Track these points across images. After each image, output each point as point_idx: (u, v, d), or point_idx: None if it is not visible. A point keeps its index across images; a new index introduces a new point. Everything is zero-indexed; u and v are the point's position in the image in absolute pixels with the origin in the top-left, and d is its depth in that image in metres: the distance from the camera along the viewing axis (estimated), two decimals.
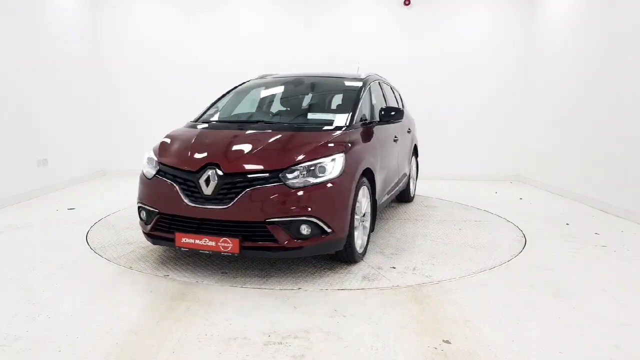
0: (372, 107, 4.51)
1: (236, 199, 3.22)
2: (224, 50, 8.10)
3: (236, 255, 3.22)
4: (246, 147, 3.49)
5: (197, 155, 3.46)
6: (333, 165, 3.38)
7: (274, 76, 5.14)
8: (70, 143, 7.20)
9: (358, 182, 3.59)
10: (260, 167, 3.30)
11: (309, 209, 3.21)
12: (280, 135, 3.62)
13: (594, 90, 6.13)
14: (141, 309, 2.92)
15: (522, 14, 7.99)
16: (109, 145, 8.20)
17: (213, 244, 3.24)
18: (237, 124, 4.09)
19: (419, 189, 6.84)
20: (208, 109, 4.58)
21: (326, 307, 2.98)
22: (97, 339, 2.55)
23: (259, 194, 3.21)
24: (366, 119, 4.27)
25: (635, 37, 5.35)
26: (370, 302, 3.07)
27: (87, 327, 2.68)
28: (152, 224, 3.53)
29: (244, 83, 5.06)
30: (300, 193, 3.21)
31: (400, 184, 5.30)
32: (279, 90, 4.91)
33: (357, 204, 3.61)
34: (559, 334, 2.67)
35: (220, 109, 4.56)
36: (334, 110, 4.42)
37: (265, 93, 4.90)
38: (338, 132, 3.71)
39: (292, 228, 3.22)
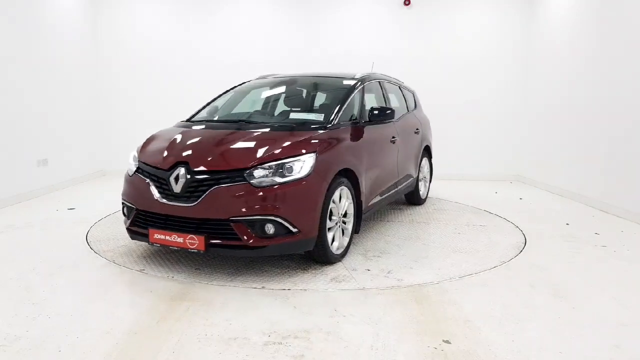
0: (362, 107, 4.40)
1: (202, 196, 3.28)
2: (225, 50, 8.10)
3: (202, 252, 3.29)
4: (217, 146, 3.56)
5: (170, 154, 3.57)
6: (301, 165, 3.38)
7: (274, 76, 5.16)
8: (70, 143, 7.20)
9: (333, 183, 3.57)
10: (226, 166, 3.36)
11: (273, 209, 3.23)
12: (253, 135, 3.67)
13: (594, 90, 6.13)
14: (141, 309, 2.92)
15: (522, 14, 7.99)
16: (109, 145, 8.20)
17: (181, 240, 3.32)
18: (220, 124, 4.15)
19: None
20: (201, 109, 4.70)
21: (326, 307, 2.98)
22: (97, 339, 2.55)
23: (223, 192, 3.25)
24: (356, 119, 4.23)
25: (635, 37, 5.35)
26: (370, 302, 3.07)
27: (87, 327, 2.68)
28: (131, 219, 3.66)
29: (242, 83, 5.11)
30: (265, 192, 3.24)
31: (402, 186, 5.18)
32: (270, 90, 4.94)
33: (333, 205, 3.61)
34: (559, 334, 2.67)
35: (211, 109, 4.66)
36: (317, 110, 4.42)
37: (257, 93, 4.92)
38: (314, 132, 3.72)
39: (256, 227, 3.25)
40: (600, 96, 5.99)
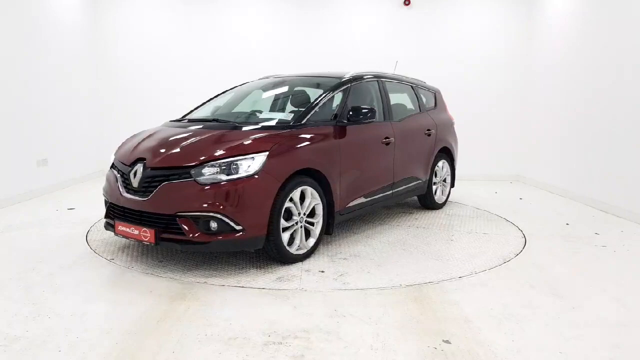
0: (345, 107, 4.30)
1: (154, 192, 3.43)
2: (225, 50, 8.10)
3: (153, 245, 3.44)
4: (174, 144, 3.66)
5: (134, 151, 3.77)
6: (249, 164, 3.41)
7: (274, 77, 5.19)
8: (70, 143, 7.20)
9: (290, 182, 3.58)
10: (175, 163, 3.47)
11: (215, 206, 3.30)
12: (212, 133, 3.74)
13: (594, 90, 6.13)
14: (141, 309, 2.92)
15: (522, 14, 7.99)
16: (109, 145, 8.15)
17: (137, 233, 3.50)
18: (194, 123, 4.19)
19: None
20: (194, 109, 4.83)
21: (326, 307, 2.98)
22: (97, 339, 2.55)
23: (171, 188, 3.38)
24: (336, 119, 4.16)
25: (635, 37, 5.35)
26: (370, 302, 3.07)
27: (87, 327, 2.68)
28: (105, 211, 3.92)
29: (242, 84, 5.18)
30: (208, 189, 3.32)
31: (402, 189, 5.01)
32: (259, 91, 4.95)
33: (291, 205, 3.62)
34: (559, 334, 2.67)
35: (202, 108, 4.78)
36: (291, 110, 4.41)
37: (246, 94, 4.94)
38: (274, 131, 3.73)
39: (200, 223, 3.34)
40: (600, 96, 5.99)
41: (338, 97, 4.39)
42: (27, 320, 2.77)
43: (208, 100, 4.98)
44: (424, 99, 5.70)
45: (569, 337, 2.65)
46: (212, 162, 3.38)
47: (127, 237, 3.59)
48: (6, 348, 2.46)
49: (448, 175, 5.97)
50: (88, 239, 4.40)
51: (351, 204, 4.28)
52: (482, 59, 8.08)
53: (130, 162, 3.67)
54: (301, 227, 3.77)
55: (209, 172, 3.36)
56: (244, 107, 4.74)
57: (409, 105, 5.52)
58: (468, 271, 3.64)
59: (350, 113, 4.18)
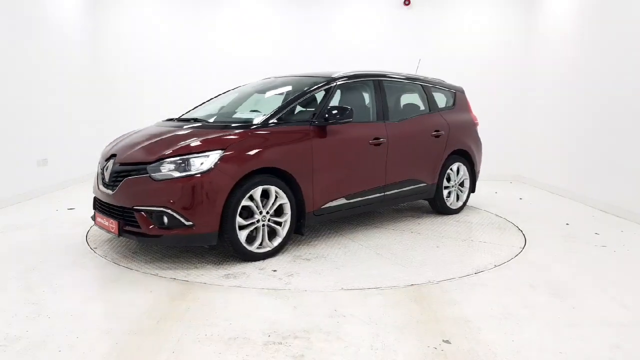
0: (324, 106, 4.24)
1: (119, 186, 3.65)
2: (226, 50, 8.09)
3: (117, 236, 3.67)
4: (143, 142, 3.84)
5: (113, 147, 4.05)
6: (202, 162, 3.50)
7: (274, 77, 5.20)
8: (70, 143, 7.20)
9: (248, 181, 3.62)
10: (136, 159, 3.66)
11: (166, 201, 3.45)
12: (178, 132, 3.88)
13: (594, 89, 6.13)
14: (141, 309, 2.92)
15: (522, 14, 7.99)
16: None
17: (107, 224, 3.75)
18: (177, 122, 4.30)
19: None
20: (192, 109, 4.90)
21: (326, 307, 2.98)
22: (96, 339, 2.55)
23: (131, 183, 3.59)
24: (314, 119, 4.13)
25: (635, 37, 5.35)
26: (370, 302, 3.07)
27: (87, 327, 2.68)
28: (92, 204, 4.14)
29: (244, 85, 5.21)
30: (160, 185, 3.47)
31: (397, 191, 4.84)
32: (254, 91, 4.94)
33: (250, 203, 3.65)
34: (559, 334, 2.67)
35: (198, 108, 4.86)
36: (266, 110, 4.35)
37: (241, 94, 4.94)
38: (238, 130, 3.79)
39: (154, 217, 3.50)
40: (600, 95, 5.99)
41: (319, 97, 4.35)
42: (27, 320, 2.77)
43: (207, 101, 5.02)
44: (437, 99, 5.48)
45: (569, 337, 2.65)
46: (167, 160, 3.53)
47: (101, 228, 3.86)
48: (6, 348, 2.46)
49: (466, 179, 5.63)
50: (88, 239, 4.40)
51: (328, 205, 4.23)
52: (482, 58, 8.08)
53: (106, 157, 3.94)
54: (263, 225, 3.79)
55: (163, 169, 3.51)
56: (233, 108, 4.74)
57: (415, 105, 5.36)
58: (468, 271, 3.64)
59: (327, 113, 4.14)
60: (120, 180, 3.64)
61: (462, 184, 5.64)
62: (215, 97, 5.07)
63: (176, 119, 4.49)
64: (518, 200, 6.54)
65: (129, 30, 8.08)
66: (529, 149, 7.94)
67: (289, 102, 4.19)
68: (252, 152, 3.69)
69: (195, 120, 4.29)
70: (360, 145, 4.46)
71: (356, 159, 4.43)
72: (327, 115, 4.12)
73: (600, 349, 2.52)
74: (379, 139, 4.59)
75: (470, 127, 5.72)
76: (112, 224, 3.67)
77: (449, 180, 5.45)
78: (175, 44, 8.11)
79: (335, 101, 4.54)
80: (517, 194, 7.03)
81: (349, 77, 4.64)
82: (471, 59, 8.08)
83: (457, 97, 5.77)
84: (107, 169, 3.82)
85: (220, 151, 3.55)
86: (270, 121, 3.96)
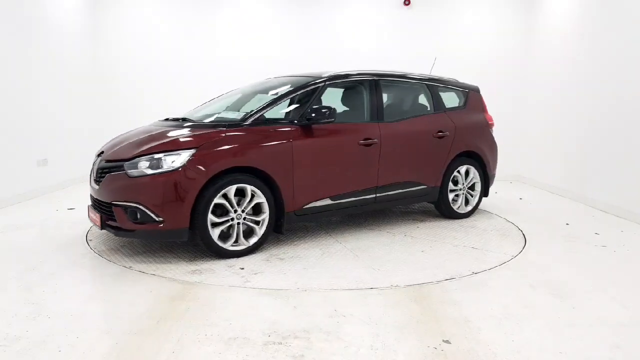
0: (309, 106, 4.23)
1: (102, 181, 3.83)
2: (227, 51, 8.09)
3: (100, 229, 3.86)
4: (127, 140, 4.02)
5: (105, 145, 4.24)
6: (173, 159, 3.62)
7: (275, 77, 5.21)
8: (70, 143, 7.19)
9: (223, 179, 3.69)
10: (116, 157, 3.84)
11: (137, 197, 3.60)
12: (161, 131, 4.00)
13: (594, 90, 6.13)
14: (141, 309, 2.92)
15: (522, 14, 7.99)
16: None
17: (94, 217, 3.94)
18: (170, 122, 4.38)
19: None
20: (197, 107, 4.96)
21: (326, 307, 2.98)
22: (96, 339, 2.55)
23: (111, 179, 3.76)
24: (299, 118, 4.14)
25: (635, 37, 5.35)
26: (370, 302, 3.07)
27: (87, 327, 2.68)
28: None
29: (244, 85, 5.23)
30: (133, 181, 3.63)
31: (391, 193, 4.72)
32: (245, 92, 4.95)
33: (224, 201, 3.72)
34: (559, 334, 2.68)
35: (197, 109, 4.92)
36: (247, 109, 4.37)
37: (237, 95, 4.96)
38: (215, 129, 3.88)
39: (128, 212, 3.65)
40: (600, 96, 5.99)
41: (303, 97, 4.33)
42: (27, 320, 2.77)
43: (209, 101, 5.05)
44: (444, 99, 5.29)
45: (569, 337, 2.65)
46: (142, 158, 3.67)
47: (92, 222, 4.04)
48: (6, 348, 2.46)
49: (477, 182, 5.39)
50: (88, 239, 4.40)
51: (312, 205, 4.22)
52: (481, 58, 8.08)
53: (97, 154, 4.15)
54: (238, 224, 3.83)
55: (138, 166, 3.65)
56: (223, 107, 4.74)
57: (418, 105, 5.24)
58: (468, 271, 3.64)
59: (308, 114, 4.14)
60: (103, 177, 3.83)
61: (472, 188, 5.40)
62: (218, 97, 5.07)
63: (171, 119, 4.55)
64: (518, 200, 6.54)
65: (129, 30, 8.07)
66: (529, 149, 7.94)
67: (269, 102, 4.20)
68: (225, 151, 3.76)
69: (184, 120, 4.36)
70: (348, 146, 4.40)
71: (342, 160, 4.37)
72: (308, 116, 4.15)
73: (600, 349, 2.52)
74: (371, 139, 4.51)
75: (482, 128, 5.52)
76: (97, 218, 3.85)
77: (456, 183, 5.25)
78: (175, 44, 8.11)
79: (326, 101, 4.51)
80: (517, 194, 7.03)
81: (340, 77, 4.60)
82: (471, 59, 8.08)
83: (470, 96, 5.55)
84: (95, 166, 4.03)
85: (192, 150, 3.66)
86: (249, 121, 4.00)
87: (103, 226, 3.82)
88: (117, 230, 3.75)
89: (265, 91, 4.80)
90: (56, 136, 6.80)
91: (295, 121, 4.15)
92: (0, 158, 5.62)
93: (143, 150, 3.71)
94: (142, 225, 3.63)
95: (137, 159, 3.67)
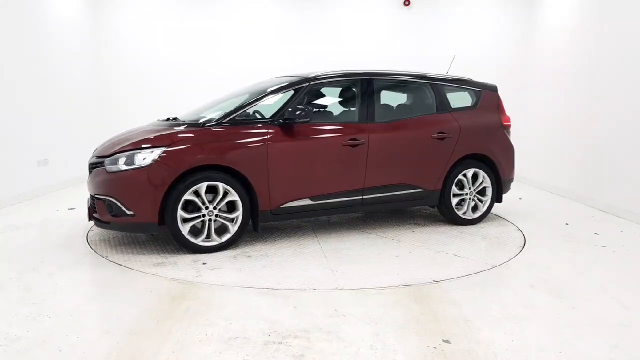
0: (290, 106, 4.24)
1: (89, 176, 4.12)
2: (227, 52, 8.10)
3: (88, 220, 4.20)
4: (116, 138, 4.28)
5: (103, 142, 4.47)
6: (144, 157, 3.81)
7: (275, 78, 5.20)
8: (70, 143, 7.19)
9: (193, 177, 3.82)
10: (101, 153, 4.09)
11: (110, 191, 3.86)
12: (147, 129, 4.22)
13: (594, 90, 6.13)
14: (141, 309, 2.92)
15: (522, 14, 8.00)
16: None
17: (87, 210, 4.24)
18: (163, 122, 4.50)
19: None
20: (202, 107, 4.94)
21: (326, 307, 2.98)
22: (97, 339, 2.55)
23: (95, 174, 4.03)
24: (278, 119, 4.17)
25: (635, 37, 5.35)
26: (370, 302, 3.07)
27: (87, 327, 2.69)
28: None
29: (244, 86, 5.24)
30: (109, 176, 3.88)
31: (380, 195, 4.58)
32: (249, 91, 4.90)
33: (195, 198, 3.85)
34: (559, 334, 2.68)
35: (193, 109, 4.98)
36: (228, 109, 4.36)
37: (234, 95, 4.94)
38: (187, 128, 4.06)
39: (106, 205, 3.89)
40: (600, 96, 5.99)
41: (285, 98, 4.34)
42: (27, 320, 2.77)
43: (213, 100, 5.01)
44: (451, 99, 5.05)
45: (569, 337, 2.65)
46: (119, 154, 3.90)
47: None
48: (6, 348, 2.46)
49: (488, 187, 5.03)
50: (88, 239, 4.40)
51: (289, 205, 4.22)
52: (481, 58, 8.08)
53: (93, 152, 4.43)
54: (210, 220, 3.95)
55: (115, 162, 3.88)
56: (215, 107, 4.73)
57: (419, 105, 5.04)
58: (468, 271, 3.64)
59: (285, 114, 4.16)
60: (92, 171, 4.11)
61: (482, 193, 5.06)
62: (223, 96, 5.03)
63: (165, 119, 4.65)
64: (518, 200, 6.54)
65: (129, 30, 8.08)
66: (529, 149, 7.94)
67: (247, 102, 4.26)
68: (195, 149, 3.89)
69: (175, 119, 4.52)
70: (331, 146, 4.34)
71: (324, 160, 4.32)
72: (285, 116, 4.18)
73: (600, 349, 2.52)
74: (357, 140, 4.41)
75: (494, 130, 5.12)
76: (87, 210, 4.20)
77: (462, 187, 4.97)
78: (175, 44, 8.11)
79: (320, 101, 4.53)
80: (517, 194, 7.02)
81: (327, 77, 4.55)
82: (471, 59, 8.05)
83: (483, 96, 5.21)
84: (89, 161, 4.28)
85: (164, 147, 3.83)
86: (225, 120, 4.11)
87: (90, 217, 4.15)
88: (97, 221, 4.02)
89: (261, 91, 4.81)
90: (56, 136, 6.80)
91: (275, 121, 4.18)
92: (0, 158, 5.62)
93: (121, 148, 3.94)
94: (116, 218, 3.86)
95: (116, 156, 3.91)
